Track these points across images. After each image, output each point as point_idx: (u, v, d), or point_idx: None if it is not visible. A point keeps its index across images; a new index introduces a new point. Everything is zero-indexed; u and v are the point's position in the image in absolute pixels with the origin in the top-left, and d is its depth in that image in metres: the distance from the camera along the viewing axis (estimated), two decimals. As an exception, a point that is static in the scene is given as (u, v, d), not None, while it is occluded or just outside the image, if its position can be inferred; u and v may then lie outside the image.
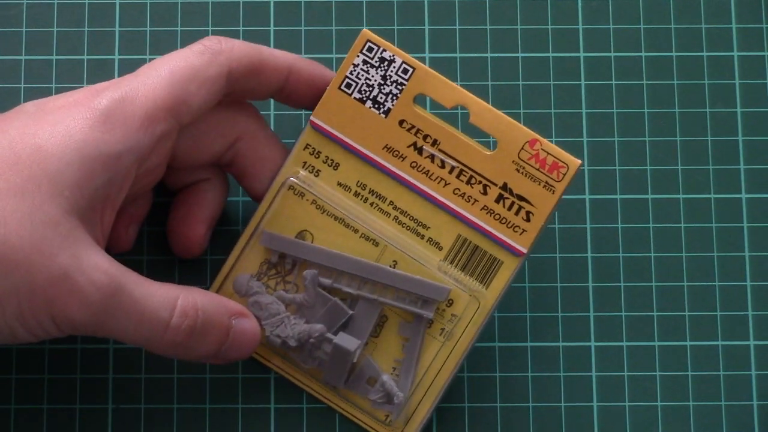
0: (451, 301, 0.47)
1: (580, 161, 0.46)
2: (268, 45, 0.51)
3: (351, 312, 0.46)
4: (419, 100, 0.49)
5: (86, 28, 0.51)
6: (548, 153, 0.46)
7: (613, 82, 0.51)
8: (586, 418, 0.49)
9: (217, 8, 0.52)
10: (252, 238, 0.47)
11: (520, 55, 0.52)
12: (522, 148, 0.46)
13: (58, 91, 0.51)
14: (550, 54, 0.52)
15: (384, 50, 0.47)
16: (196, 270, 0.49)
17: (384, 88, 0.47)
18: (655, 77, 0.51)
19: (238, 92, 0.45)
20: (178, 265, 0.49)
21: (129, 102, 0.43)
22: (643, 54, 0.52)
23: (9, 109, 0.50)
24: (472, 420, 0.49)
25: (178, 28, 0.52)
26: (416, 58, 0.49)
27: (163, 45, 0.51)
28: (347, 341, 0.46)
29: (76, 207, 0.41)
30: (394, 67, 0.47)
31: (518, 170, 0.46)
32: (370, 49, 0.47)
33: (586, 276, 0.50)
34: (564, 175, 0.46)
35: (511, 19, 0.52)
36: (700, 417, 0.49)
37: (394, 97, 0.47)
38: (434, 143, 0.47)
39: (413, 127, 0.47)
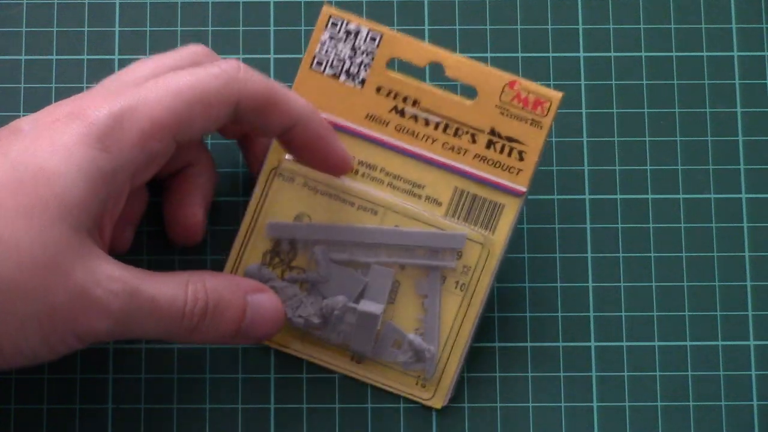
0: (460, 254, 0.47)
1: (562, 93, 0.47)
2: (268, 45, 0.51)
3: (366, 280, 0.47)
4: (392, 65, 0.49)
5: (86, 28, 0.51)
6: (529, 91, 0.47)
7: (613, 82, 0.51)
8: (586, 418, 0.49)
9: (217, 8, 0.52)
10: (250, 232, 0.47)
11: (520, 55, 0.52)
12: (502, 91, 0.47)
13: (58, 91, 0.51)
14: (550, 54, 0.52)
15: (348, 23, 0.47)
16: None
17: (355, 60, 0.47)
18: (655, 77, 0.51)
19: (243, 124, 0.45)
20: (179, 265, 0.49)
21: (127, 118, 0.42)
22: (643, 54, 0.52)
23: (8, 108, 0.50)
24: (472, 420, 0.49)
25: (178, 28, 0.52)
26: (416, 58, 0.49)
27: (163, 45, 0.51)
28: (371, 306, 0.46)
29: (83, 223, 0.41)
30: (362, 37, 0.47)
31: (503, 113, 0.47)
32: (333, 25, 0.47)
33: (586, 276, 0.50)
34: (548, 109, 0.47)
35: (511, 19, 0.52)
36: (700, 417, 0.49)
37: (367, 66, 0.47)
38: (414, 103, 0.47)
39: (391, 91, 0.47)
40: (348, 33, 0.47)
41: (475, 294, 0.47)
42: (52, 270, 0.40)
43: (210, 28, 0.52)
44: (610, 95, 0.51)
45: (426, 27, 0.52)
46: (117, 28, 0.51)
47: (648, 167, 0.51)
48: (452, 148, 0.47)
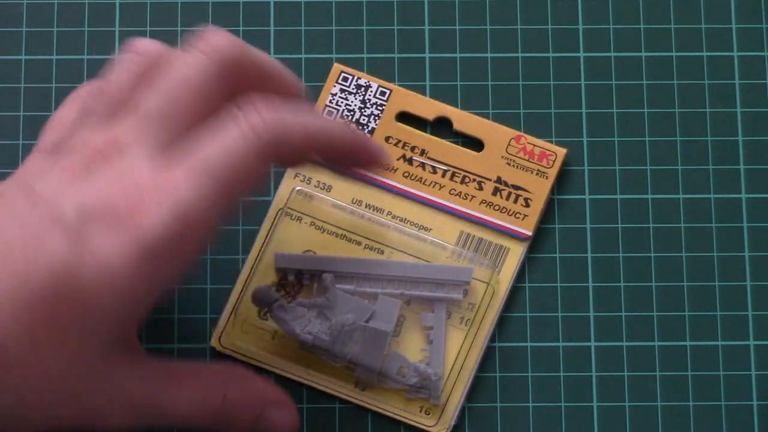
0: (467, 289, 0.47)
1: (566, 149, 0.48)
2: (268, 45, 0.51)
3: (374, 308, 0.47)
4: (400, 118, 0.49)
5: (86, 28, 0.51)
6: (534, 145, 0.49)
7: (613, 82, 0.51)
8: (586, 418, 0.49)
9: (217, 8, 0.52)
10: (255, 268, 0.47)
11: (520, 55, 0.52)
12: (509, 144, 0.48)
13: (58, 91, 0.51)
14: (550, 54, 0.52)
15: (359, 78, 0.49)
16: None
17: (365, 111, 0.48)
18: (655, 77, 0.51)
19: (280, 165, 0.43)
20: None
21: (179, 235, 0.38)
22: (643, 54, 0.52)
23: (8, 108, 0.50)
24: (472, 420, 0.49)
25: (178, 28, 0.52)
26: (416, 58, 0.49)
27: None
28: (381, 324, 0.46)
29: (113, 344, 0.40)
30: (371, 91, 0.49)
31: (509, 164, 0.48)
32: (345, 79, 0.49)
33: (586, 276, 0.50)
34: (553, 161, 0.48)
35: (511, 19, 0.52)
36: (700, 417, 0.49)
37: (377, 117, 0.48)
38: (422, 153, 0.48)
39: (399, 141, 0.48)
40: (358, 86, 0.49)
41: (480, 329, 0.48)
42: (66, 399, 0.39)
43: (210, 28, 0.52)
44: (610, 95, 0.51)
45: (426, 27, 0.52)
46: (117, 28, 0.51)
47: (648, 167, 0.51)
48: (459, 194, 0.48)
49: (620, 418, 0.49)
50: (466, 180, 0.48)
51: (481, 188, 0.48)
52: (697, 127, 0.51)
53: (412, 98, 0.49)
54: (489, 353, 0.49)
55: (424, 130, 0.50)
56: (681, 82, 0.51)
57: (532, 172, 0.48)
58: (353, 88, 0.49)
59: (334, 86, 0.49)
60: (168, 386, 0.42)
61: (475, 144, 0.49)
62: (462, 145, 0.49)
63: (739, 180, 0.51)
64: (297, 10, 0.52)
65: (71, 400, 0.39)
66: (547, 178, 0.48)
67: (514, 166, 0.48)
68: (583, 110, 0.51)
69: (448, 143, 0.48)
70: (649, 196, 0.50)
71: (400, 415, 0.47)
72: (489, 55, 0.52)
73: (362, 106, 0.48)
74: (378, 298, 0.47)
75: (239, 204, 0.40)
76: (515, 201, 0.48)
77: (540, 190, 0.48)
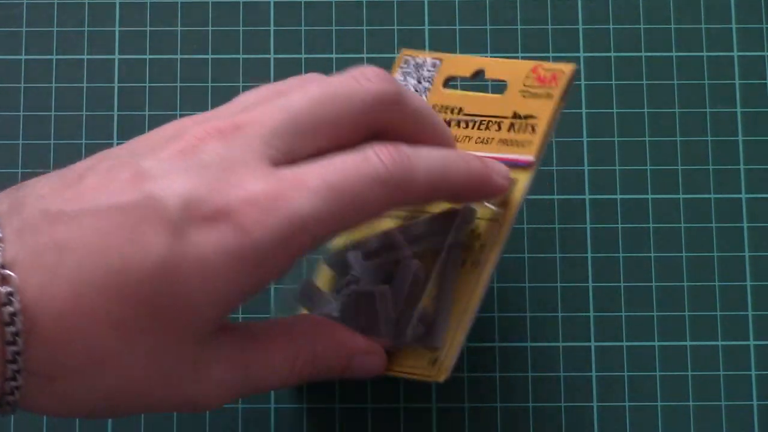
0: (469, 231, 0.46)
1: (575, 65, 0.47)
2: (268, 46, 0.51)
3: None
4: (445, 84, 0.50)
5: (86, 28, 0.51)
6: (547, 69, 0.47)
7: (613, 82, 0.51)
8: (586, 418, 0.49)
9: (217, 8, 0.52)
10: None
11: (520, 55, 0.52)
12: (526, 77, 0.47)
13: (58, 90, 0.51)
14: (550, 54, 0.52)
15: (416, 57, 0.49)
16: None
17: (419, 87, 0.48)
18: (655, 77, 0.51)
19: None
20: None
21: (288, 236, 0.38)
22: (643, 54, 0.52)
23: (8, 108, 0.50)
24: (472, 420, 0.49)
25: (178, 28, 0.52)
26: (416, 58, 0.49)
27: (163, 45, 0.51)
28: (367, 286, 0.45)
29: (208, 334, 0.39)
30: (426, 67, 0.48)
31: (524, 96, 0.47)
32: (406, 62, 0.48)
33: (586, 276, 0.50)
34: (559, 80, 0.47)
35: (511, 19, 0.52)
36: (700, 417, 0.49)
37: (427, 90, 0.48)
38: (459, 111, 0.47)
39: (444, 106, 0.48)
40: (416, 66, 0.48)
41: (485, 268, 0.46)
42: (162, 386, 0.39)
43: (210, 28, 0.52)
44: (610, 95, 0.51)
45: (426, 27, 0.52)
46: (117, 28, 0.51)
47: (648, 167, 0.51)
48: (482, 141, 0.47)
49: (620, 418, 0.49)
50: (490, 124, 0.47)
51: (499, 128, 0.47)
52: (697, 127, 0.51)
53: (454, 60, 0.48)
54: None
55: (466, 88, 0.50)
56: (681, 82, 0.51)
57: (541, 98, 0.47)
58: (411, 69, 0.49)
59: (397, 72, 0.48)
60: (261, 354, 0.41)
61: (503, 87, 0.48)
62: (492, 91, 0.48)
63: (739, 180, 0.51)
64: (297, 10, 0.52)
65: (166, 389, 0.39)
66: (551, 98, 0.46)
67: (528, 96, 0.47)
68: (583, 110, 0.51)
69: (479, 95, 0.48)
70: (649, 196, 0.50)
71: (408, 368, 0.46)
72: (489, 55, 0.52)
73: (417, 83, 0.48)
74: (399, 263, 0.46)
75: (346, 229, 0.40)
76: (525, 131, 0.47)
77: (544, 112, 0.46)
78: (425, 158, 0.41)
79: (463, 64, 0.48)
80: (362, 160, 0.40)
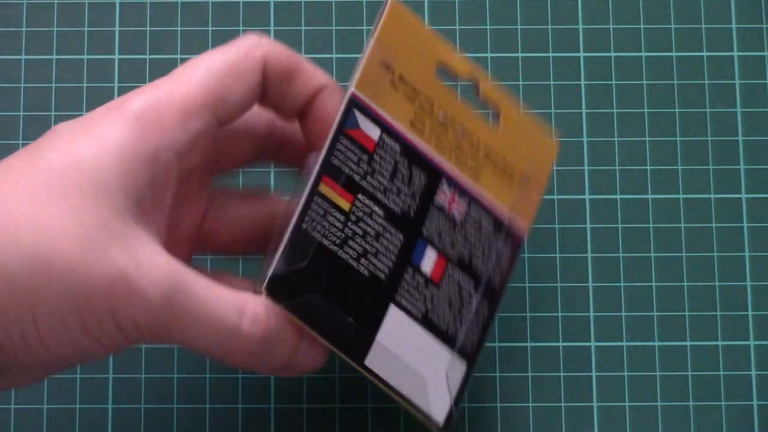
0: None
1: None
2: (268, 45, 0.52)
3: None
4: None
5: (86, 28, 0.51)
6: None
7: (613, 82, 0.51)
8: (586, 418, 0.49)
9: (217, 8, 0.52)
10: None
11: (520, 55, 0.52)
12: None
13: (58, 91, 0.51)
14: (550, 54, 0.52)
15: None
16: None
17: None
18: (655, 77, 0.51)
19: (270, 98, 0.44)
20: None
21: (163, 101, 0.42)
22: (643, 54, 0.52)
23: (8, 108, 0.50)
24: (472, 420, 0.49)
25: (178, 28, 0.52)
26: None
27: (163, 45, 0.51)
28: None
29: (123, 205, 0.40)
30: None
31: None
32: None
33: (586, 276, 0.50)
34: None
35: (511, 19, 0.52)
36: (700, 417, 0.49)
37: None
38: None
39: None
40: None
41: None
42: (88, 251, 0.39)
43: (210, 28, 0.52)
44: (610, 95, 0.51)
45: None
46: (117, 28, 0.51)
47: (648, 167, 0.51)
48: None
49: (620, 418, 0.49)
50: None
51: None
52: (697, 127, 0.51)
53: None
54: (489, 352, 0.49)
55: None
56: (681, 82, 0.51)
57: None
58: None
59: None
60: (203, 277, 0.42)
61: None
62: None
63: (739, 180, 0.51)
64: (297, 10, 0.52)
65: (86, 257, 0.39)
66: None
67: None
68: (583, 110, 0.51)
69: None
70: (649, 196, 0.50)
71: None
72: (489, 55, 0.52)
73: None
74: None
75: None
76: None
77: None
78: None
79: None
80: (228, 44, 0.44)
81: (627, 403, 0.49)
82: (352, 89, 0.44)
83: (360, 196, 0.44)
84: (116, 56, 0.51)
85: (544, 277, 0.50)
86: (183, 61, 0.51)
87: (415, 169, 0.45)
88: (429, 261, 0.44)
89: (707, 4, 0.52)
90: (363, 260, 0.43)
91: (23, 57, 0.51)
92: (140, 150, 0.41)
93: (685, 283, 0.50)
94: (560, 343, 0.49)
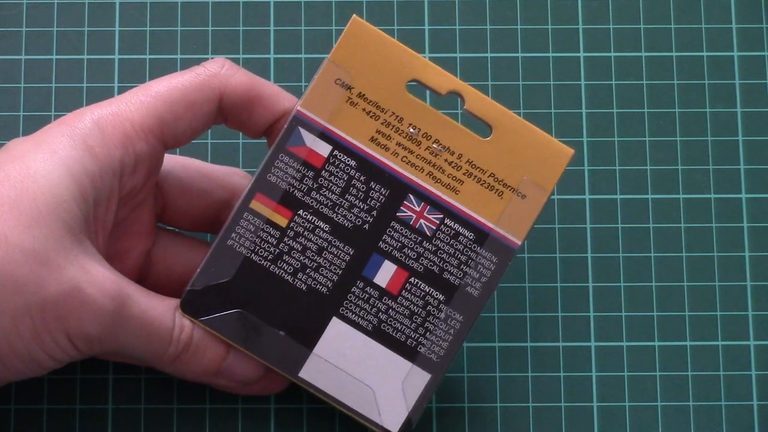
0: None
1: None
2: (268, 46, 0.51)
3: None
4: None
5: (86, 28, 0.51)
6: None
7: (613, 82, 0.51)
8: (586, 418, 0.49)
9: (217, 8, 0.52)
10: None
11: (520, 55, 0.52)
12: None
13: (58, 91, 0.51)
14: (550, 54, 0.52)
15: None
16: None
17: None
18: (655, 77, 0.51)
19: (231, 122, 0.45)
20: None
21: (110, 123, 0.43)
22: (643, 54, 0.52)
23: (8, 108, 0.50)
24: (472, 420, 0.49)
25: (178, 28, 0.52)
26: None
27: (163, 45, 0.51)
28: None
29: (73, 221, 0.41)
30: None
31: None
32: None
33: (586, 276, 0.50)
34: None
35: (511, 19, 0.52)
36: (700, 417, 0.49)
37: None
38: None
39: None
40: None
41: None
42: (42, 262, 0.40)
43: (210, 28, 0.52)
44: (610, 95, 0.51)
45: (426, 27, 0.52)
46: (117, 28, 0.51)
47: (648, 167, 0.51)
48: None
49: (620, 418, 0.49)
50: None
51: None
52: (697, 127, 0.51)
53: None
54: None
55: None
56: (681, 82, 0.51)
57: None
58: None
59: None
60: (141, 289, 0.43)
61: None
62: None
63: (739, 180, 0.51)
64: (297, 10, 0.52)
65: (41, 270, 0.40)
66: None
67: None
68: (583, 110, 0.51)
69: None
70: (649, 196, 0.50)
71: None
72: (489, 55, 0.52)
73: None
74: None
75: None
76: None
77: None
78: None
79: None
80: (186, 70, 0.45)
81: (627, 403, 0.49)
82: (297, 108, 0.45)
83: (301, 212, 0.45)
84: (116, 56, 0.51)
85: (544, 277, 0.50)
86: (183, 61, 0.51)
87: (374, 184, 0.45)
88: (385, 274, 0.45)
89: (707, 4, 0.52)
90: (300, 274, 0.45)
91: (23, 57, 0.51)
92: (88, 167, 0.42)
93: (685, 283, 0.50)
94: (560, 343, 0.49)
